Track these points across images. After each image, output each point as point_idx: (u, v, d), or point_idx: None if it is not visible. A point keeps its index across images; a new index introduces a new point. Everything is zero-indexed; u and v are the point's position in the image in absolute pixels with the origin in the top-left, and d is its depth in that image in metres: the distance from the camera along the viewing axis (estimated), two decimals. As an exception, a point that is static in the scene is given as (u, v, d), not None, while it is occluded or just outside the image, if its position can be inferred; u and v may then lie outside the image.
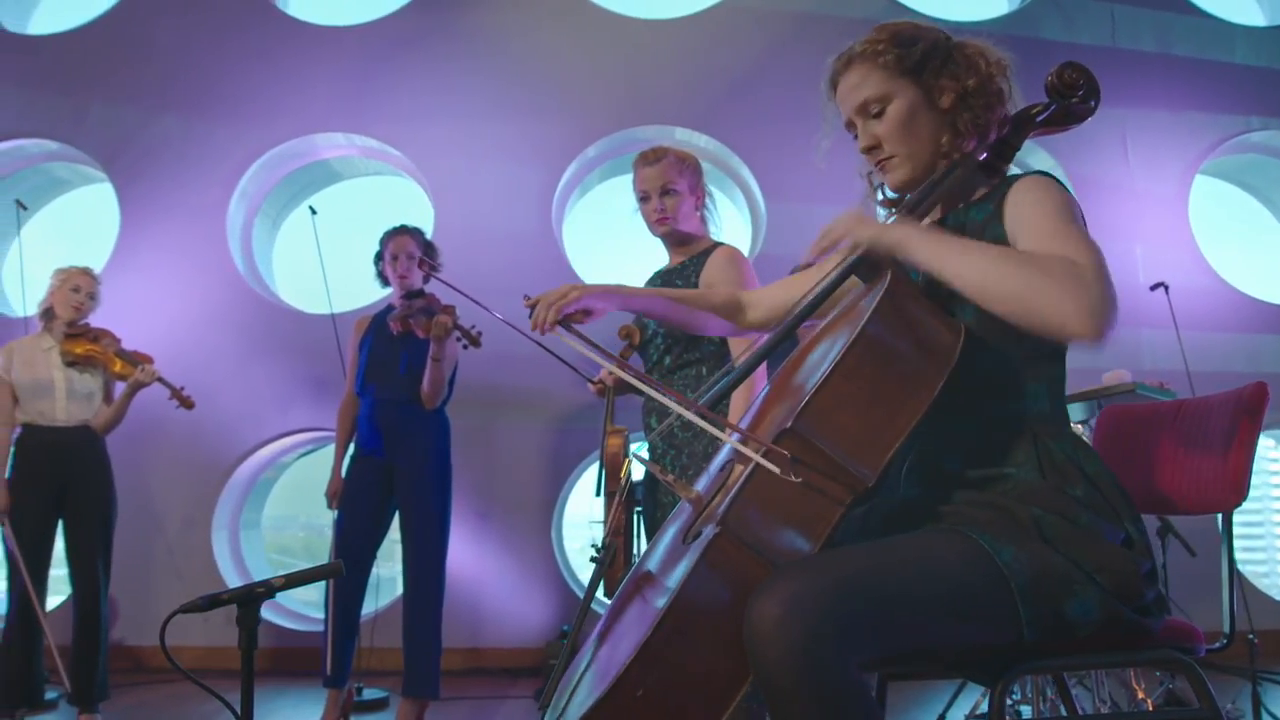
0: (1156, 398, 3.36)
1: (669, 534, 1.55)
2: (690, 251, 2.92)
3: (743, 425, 1.63)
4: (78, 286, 4.11)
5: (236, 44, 5.87)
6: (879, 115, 1.56)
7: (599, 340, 1.64)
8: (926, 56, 1.54)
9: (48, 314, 4.15)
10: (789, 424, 1.30)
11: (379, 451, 3.94)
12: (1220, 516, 1.66)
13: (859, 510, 1.58)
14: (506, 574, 5.31)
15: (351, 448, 4.10)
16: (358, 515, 3.94)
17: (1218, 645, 1.59)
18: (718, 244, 2.93)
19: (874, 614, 1.24)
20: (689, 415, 1.43)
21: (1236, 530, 1.65)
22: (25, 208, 5.06)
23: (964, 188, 1.59)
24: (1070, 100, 1.61)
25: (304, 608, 5.71)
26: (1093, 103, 1.62)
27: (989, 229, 1.49)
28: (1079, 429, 3.42)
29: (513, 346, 5.00)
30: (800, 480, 1.28)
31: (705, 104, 5.73)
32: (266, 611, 5.34)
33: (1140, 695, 3.26)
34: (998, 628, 1.30)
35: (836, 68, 1.61)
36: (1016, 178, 1.53)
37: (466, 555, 5.20)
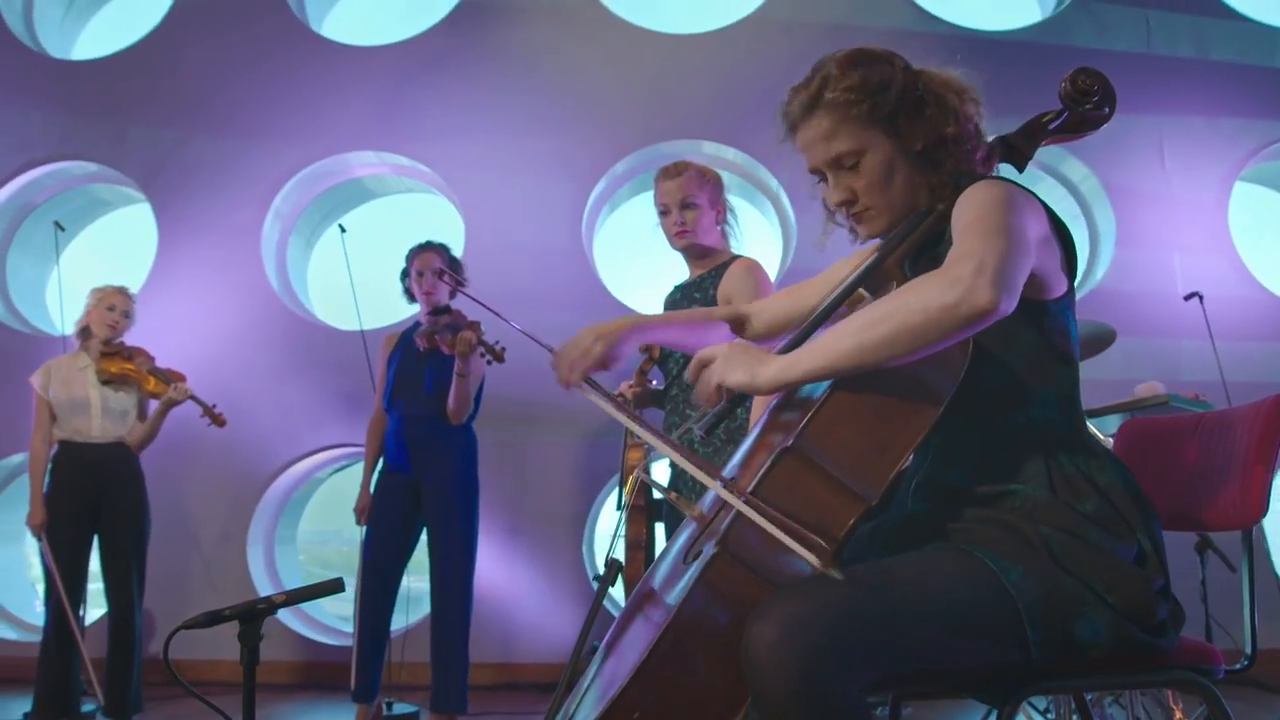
0: (1191, 410, 3.29)
1: (673, 550, 1.54)
2: (710, 264, 2.93)
3: (752, 435, 1.62)
4: (113, 305, 4.19)
5: (270, 65, 5.96)
6: (854, 168, 1.50)
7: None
8: (899, 103, 1.47)
9: (84, 333, 4.24)
10: (789, 442, 1.28)
11: (406, 468, 3.97)
12: (1241, 533, 1.61)
13: (866, 526, 1.56)
14: (537, 589, 5.31)
15: (380, 464, 4.13)
16: (385, 531, 3.97)
17: (1238, 665, 1.55)
18: (736, 256, 2.93)
19: (874, 636, 1.21)
20: (679, 459, 1.40)
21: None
22: (63, 229, 5.18)
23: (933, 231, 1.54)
24: (1084, 107, 1.58)
25: (337, 622, 5.76)
26: (1106, 109, 1.59)
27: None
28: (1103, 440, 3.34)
29: (542, 362, 5.01)
30: (802, 499, 1.26)
31: (733, 117, 5.72)
32: (298, 625, 5.39)
33: (1178, 716, 3.18)
34: (1005, 648, 1.28)
35: (796, 111, 1.54)
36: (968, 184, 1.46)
37: (497, 571, 5.21)
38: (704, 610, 1.22)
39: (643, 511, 2.69)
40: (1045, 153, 5.48)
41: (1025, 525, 1.34)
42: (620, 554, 2.87)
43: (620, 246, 6.60)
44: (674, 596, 1.27)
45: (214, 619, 1.37)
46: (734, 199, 5.54)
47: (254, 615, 1.36)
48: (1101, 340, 3.48)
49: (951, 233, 1.39)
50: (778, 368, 1.31)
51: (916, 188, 1.51)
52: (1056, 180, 5.75)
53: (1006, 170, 1.61)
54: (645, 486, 2.73)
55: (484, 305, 3.21)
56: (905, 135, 1.48)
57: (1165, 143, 5.61)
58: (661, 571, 1.50)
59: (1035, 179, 5.83)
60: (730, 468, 1.54)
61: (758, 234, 6.14)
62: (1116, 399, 3.46)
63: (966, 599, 1.27)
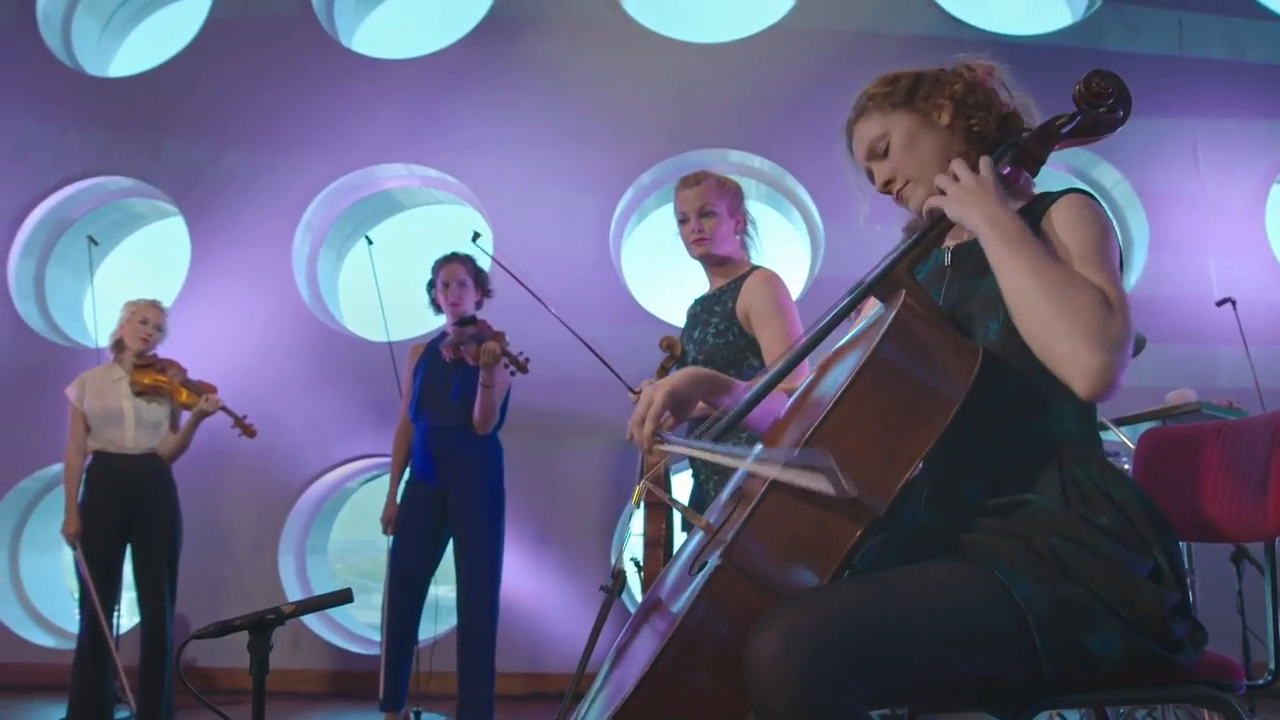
0: (1222, 417, 3.23)
1: (681, 560, 1.53)
2: (728, 276, 2.92)
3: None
4: (146, 319, 4.26)
5: (300, 80, 6.04)
6: (885, 154, 1.59)
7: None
8: (914, 86, 1.58)
9: (118, 345, 4.31)
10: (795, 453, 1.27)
11: (432, 478, 3.99)
12: (1265, 545, 1.58)
13: (878, 538, 1.54)
14: (566, 598, 5.31)
15: (407, 474, 4.16)
16: (412, 541, 3.99)
17: (1262, 680, 1.51)
18: (755, 267, 2.92)
19: (878, 649, 1.20)
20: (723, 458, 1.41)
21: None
22: (96, 243, 5.27)
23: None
24: (1098, 110, 1.55)
25: (367, 630, 5.79)
26: (1121, 112, 1.56)
27: None
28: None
29: (572, 371, 5.06)
30: (808, 512, 1.25)
31: (760, 126, 5.72)
32: (329, 634, 5.43)
33: (1212, 730, 3.12)
34: (1015, 661, 1.26)
35: (846, 136, 1.66)
36: (1059, 195, 1.50)
37: (526, 580, 5.22)
38: (707, 622, 1.21)
39: (662, 508, 2.68)
40: (1076, 157, 5.48)
41: (1036, 536, 1.32)
42: (629, 560, 2.88)
43: (649, 257, 6.61)
44: (678, 607, 1.26)
45: (224, 629, 1.39)
46: (762, 206, 5.52)
47: (263, 625, 1.37)
48: (1134, 347, 3.43)
49: (1055, 237, 1.43)
50: (983, 218, 1.39)
51: (949, 156, 1.53)
52: (1089, 185, 5.68)
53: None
54: (663, 481, 2.73)
55: (517, 278, 3.22)
56: (927, 111, 1.56)
57: (1200, 146, 5.53)
58: (669, 581, 1.49)
59: (1066, 184, 5.76)
60: (736, 478, 1.53)
61: (786, 242, 6.12)
62: (1149, 407, 3.41)
63: (973, 610, 1.25)
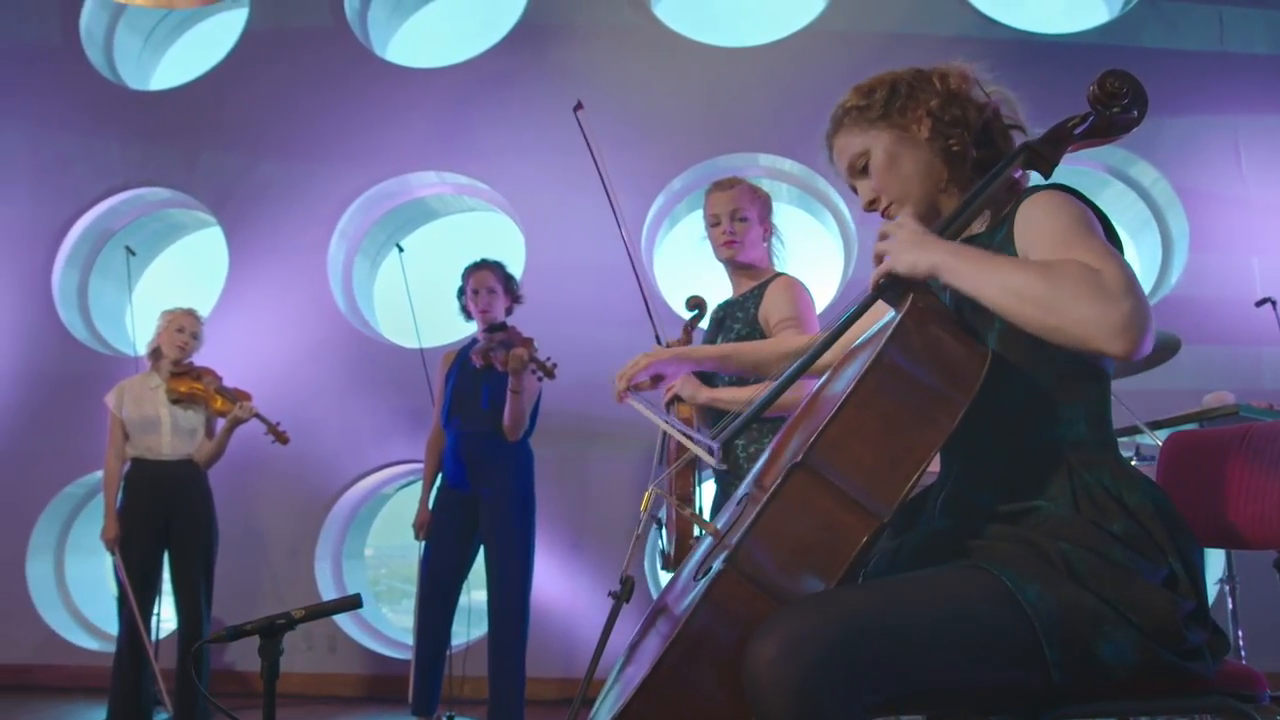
0: (1262, 420, 3.16)
1: (690, 565, 1.53)
2: (752, 281, 2.94)
3: (769, 450, 1.60)
4: (182, 327, 4.33)
5: (334, 90, 6.11)
6: (865, 170, 1.58)
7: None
8: (890, 97, 1.55)
9: (155, 353, 4.38)
10: (799, 458, 1.26)
11: (463, 484, 4.01)
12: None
13: (891, 544, 1.53)
14: (599, 603, 5.31)
15: (438, 480, 4.19)
16: (443, 547, 4.01)
17: (1290, 689, 1.48)
18: (779, 274, 2.93)
19: (879, 655, 1.18)
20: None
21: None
22: (134, 253, 5.38)
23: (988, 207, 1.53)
24: (1111, 110, 1.52)
25: (404, 635, 5.83)
26: (1135, 112, 1.53)
27: (1004, 251, 1.43)
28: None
29: (603, 376, 5.03)
30: (813, 517, 1.24)
31: (791, 129, 5.68)
32: (365, 638, 5.48)
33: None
34: (1023, 670, 1.23)
35: (827, 147, 1.66)
36: (1028, 192, 1.46)
37: (560, 585, 5.23)
38: (710, 627, 1.21)
39: (690, 467, 2.70)
40: (1113, 155, 5.40)
41: (1045, 542, 1.30)
42: (666, 555, 2.90)
43: (682, 262, 6.59)
44: (681, 611, 1.26)
45: (236, 634, 1.40)
46: (794, 210, 5.49)
47: (273, 630, 1.38)
48: (1166, 349, 3.36)
49: (1024, 239, 1.38)
50: (937, 259, 1.33)
51: (931, 173, 1.53)
52: (1126, 185, 5.59)
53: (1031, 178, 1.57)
54: (686, 487, 2.73)
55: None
56: (905, 126, 1.54)
57: (1241, 143, 5.41)
58: (677, 585, 1.49)
59: (1103, 184, 5.68)
60: (746, 483, 1.52)
61: (819, 245, 6.08)
62: (1187, 409, 3.34)
63: (979, 617, 1.23)
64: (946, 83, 1.54)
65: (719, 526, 1.46)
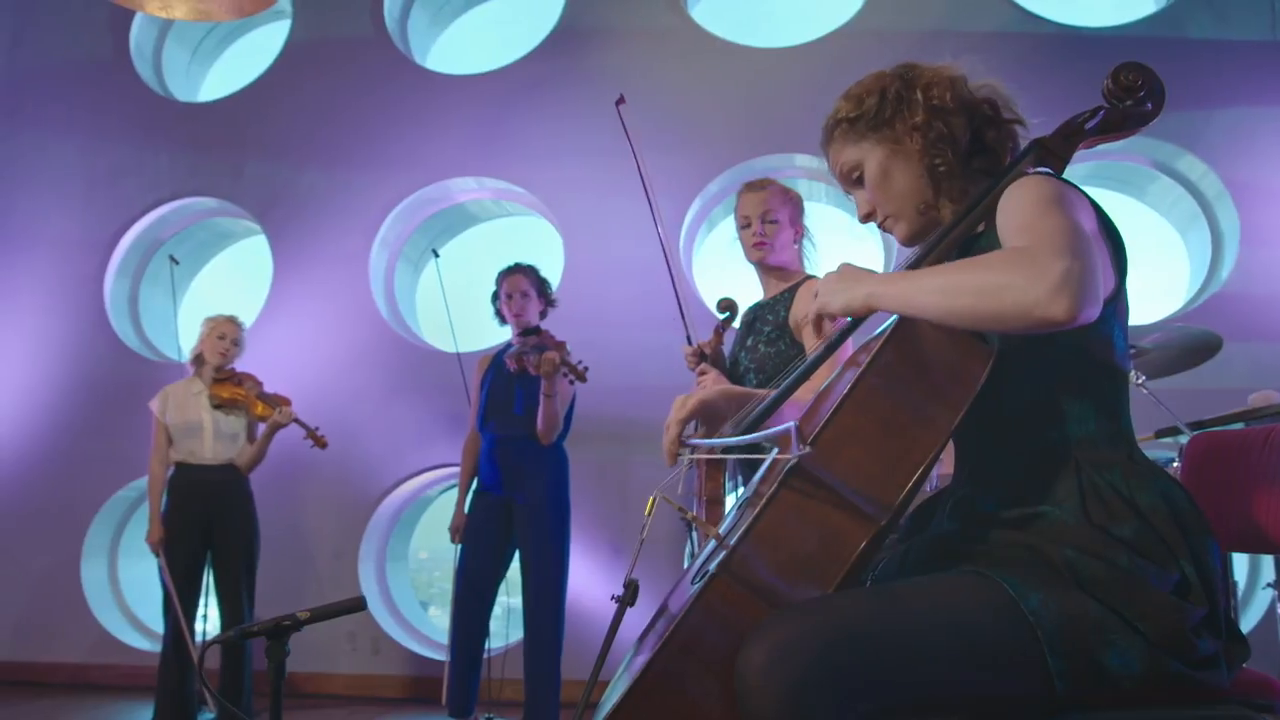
0: (1309, 420, 3.07)
1: (694, 566, 1.53)
2: (783, 284, 2.93)
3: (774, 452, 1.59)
4: (223, 334, 4.42)
5: (375, 98, 6.18)
6: (860, 181, 1.57)
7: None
8: (880, 106, 1.52)
9: (198, 360, 4.48)
10: (796, 461, 1.25)
11: (498, 488, 4.04)
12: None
13: (900, 547, 1.51)
14: (641, 606, 5.30)
15: (474, 484, 4.22)
16: (479, 551, 4.04)
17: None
18: (809, 276, 2.91)
19: (872, 663, 1.16)
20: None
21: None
22: (177, 262, 5.50)
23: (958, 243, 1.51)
24: (1125, 104, 1.49)
25: (444, 636, 5.88)
26: (1150, 105, 1.49)
27: (991, 246, 1.40)
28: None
29: (641, 379, 5.07)
30: (810, 521, 1.23)
31: (830, 128, 5.63)
32: (408, 640, 5.53)
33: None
34: (1025, 679, 1.21)
35: (823, 153, 1.65)
36: (1006, 185, 1.43)
37: (600, 589, 5.23)
38: (701, 631, 1.20)
39: (719, 466, 2.69)
40: (1159, 149, 5.28)
41: (1050, 548, 1.27)
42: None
43: (721, 264, 6.57)
44: (675, 614, 1.25)
45: (244, 635, 1.43)
46: (831, 210, 5.45)
47: (280, 631, 1.40)
48: (1206, 348, 3.29)
49: (999, 231, 1.36)
50: (867, 291, 1.32)
51: (925, 185, 1.51)
52: (1173, 179, 5.45)
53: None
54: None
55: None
56: (899, 136, 1.51)
57: (1294, 135, 5.26)
58: (681, 587, 1.49)
59: (1149, 178, 5.55)
60: (749, 486, 1.52)
61: (857, 245, 6.03)
62: (1226, 409, 3.25)
63: (978, 624, 1.20)
64: (930, 96, 1.51)
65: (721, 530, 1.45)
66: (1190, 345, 3.33)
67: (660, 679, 1.18)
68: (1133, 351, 3.29)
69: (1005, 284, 1.17)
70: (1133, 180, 5.63)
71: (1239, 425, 3.22)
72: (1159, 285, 5.89)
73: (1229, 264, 5.22)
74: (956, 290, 1.21)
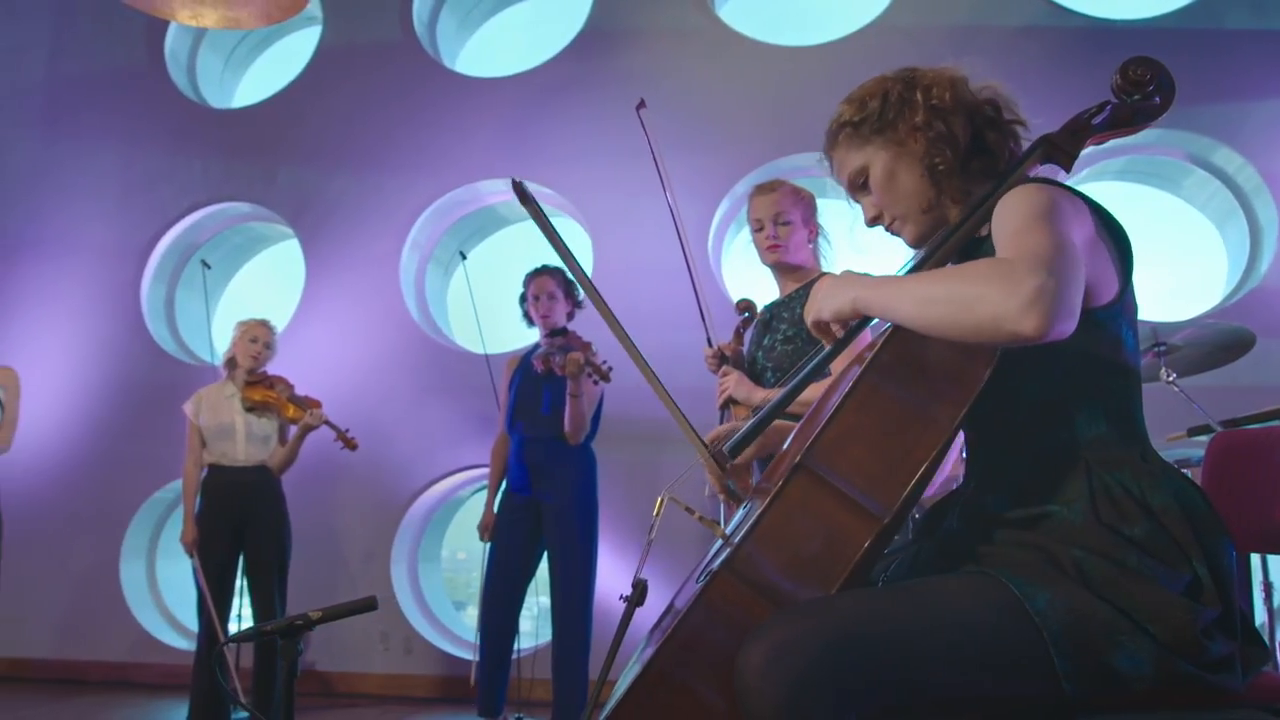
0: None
1: (701, 565, 1.53)
2: (798, 283, 2.92)
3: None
4: (255, 338, 4.47)
5: (405, 102, 6.24)
6: (866, 186, 1.57)
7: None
8: (883, 109, 1.52)
9: (231, 363, 4.54)
10: (798, 459, 1.25)
11: (526, 489, 4.05)
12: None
13: (912, 549, 1.50)
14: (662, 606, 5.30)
15: (503, 484, 4.24)
16: (507, 551, 4.06)
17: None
18: (824, 274, 2.89)
19: (873, 665, 1.16)
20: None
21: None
22: (209, 266, 5.58)
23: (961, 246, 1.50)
24: (1133, 99, 1.47)
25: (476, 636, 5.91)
26: (1159, 99, 1.48)
27: (993, 251, 1.39)
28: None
29: (671, 380, 5.03)
30: (814, 520, 1.23)
31: (858, 126, 5.60)
32: (440, 640, 5.57)
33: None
34: (1031, 681, 1.19)
35: (826, 159, 1.66)
36: (1005, 191, 1.42)
37: (630, 589, 5.23)
38: (703, 630, 1.20)
39: (746, 465, 2.70)
40: (1195, 142, 5.20)
41: (1058, 548, 1.25)
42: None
43: (750, 265, 6.55)
44: (678, 612, 1.26)
45: (258, 635, 1.44)
46: (857, 206, 5.37)
47: (293, 631, 1.42)
48: (1239, 345, 3.23)
49: (994, 238, 1.34)
50: (853, 296, 1.34)
51: (927, 185, 1.51)
52: (1209, 173, 5.36)
53: (1047, 170, 1.52)
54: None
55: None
56: (902, 140, 1.51)
57: (1335, 126, 5.16)
58: (686, 587, 1.49)
59: (1184, 172, 5.46)
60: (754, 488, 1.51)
61: (884, 239, 5.98)
62: (1260, 407, 3.20)
63: (983, 625, 1.19)
64: (930, 97, 1.51)
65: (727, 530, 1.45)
66: (1222, 342, 3.28)
67: (662, 676, 1.18)
68: (1163, 349, 3.25)
69: (979, 296, 1.17)
70: (1167, 174, 5.54)
71: (1275, 423, 3.16)
72: (1196, 281, 5.79)
73: (1267, 259, 5.12)
74: (933, 300, 1.22)
